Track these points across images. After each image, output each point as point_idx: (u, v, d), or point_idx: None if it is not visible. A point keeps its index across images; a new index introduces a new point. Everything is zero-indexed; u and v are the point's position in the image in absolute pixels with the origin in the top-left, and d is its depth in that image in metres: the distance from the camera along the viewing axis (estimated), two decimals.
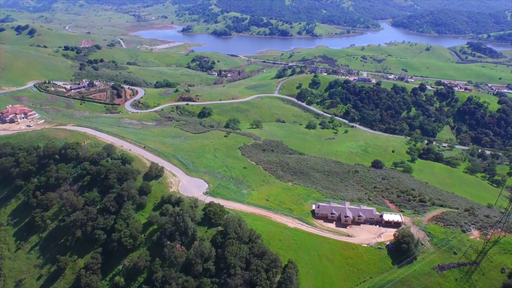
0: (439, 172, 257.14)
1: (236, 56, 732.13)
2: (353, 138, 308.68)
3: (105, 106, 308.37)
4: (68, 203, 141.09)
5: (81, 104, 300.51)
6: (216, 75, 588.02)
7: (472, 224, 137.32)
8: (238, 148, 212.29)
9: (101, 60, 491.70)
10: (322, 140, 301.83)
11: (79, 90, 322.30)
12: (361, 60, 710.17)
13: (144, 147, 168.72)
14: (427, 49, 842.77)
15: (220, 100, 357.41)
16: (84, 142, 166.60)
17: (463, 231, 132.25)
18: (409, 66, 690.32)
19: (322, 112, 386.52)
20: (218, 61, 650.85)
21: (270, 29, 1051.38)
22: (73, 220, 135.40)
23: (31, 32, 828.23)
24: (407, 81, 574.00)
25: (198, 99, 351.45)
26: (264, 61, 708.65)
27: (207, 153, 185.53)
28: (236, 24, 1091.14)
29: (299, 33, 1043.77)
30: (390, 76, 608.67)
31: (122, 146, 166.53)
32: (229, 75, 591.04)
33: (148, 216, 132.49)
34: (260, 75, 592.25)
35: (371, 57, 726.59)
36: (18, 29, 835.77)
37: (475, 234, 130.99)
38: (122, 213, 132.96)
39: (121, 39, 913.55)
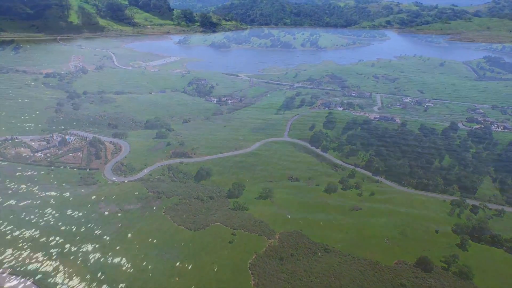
0: (506, 270, 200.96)
1: (237, 76, 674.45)
2: (383, 206, 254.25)
3: (79, 174, 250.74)
4: None
5: (48, 173, 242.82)
6: (215, 102, 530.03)
7: None
8: (249, 268, 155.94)
9: (85, 93, 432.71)
10: (347, 211, 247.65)
11: (48, 151, 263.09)
12: (372, 80, 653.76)
13: None
14: (441, 64, 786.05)
15: (220, 153, 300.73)
16: None
17: None
18: (425, 87, 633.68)
19: (340, 162, 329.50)
20: (217, 84, 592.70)
21: (272, 40, 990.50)
22: None
23: (17, 48, 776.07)
24: (426, 107, 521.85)
25: (194, 153, 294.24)
26: (267, 82, 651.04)
27: None
28: (236, 35, 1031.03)
29: (302, 45, 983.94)
30: (406, 100, 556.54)
31: None
32: (229, 101, 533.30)
33: None
34: (264, 100, 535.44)
35: (383, 76, 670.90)
36: (3, 45, 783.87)
37: None
38: None
39: (113, 53, 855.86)
